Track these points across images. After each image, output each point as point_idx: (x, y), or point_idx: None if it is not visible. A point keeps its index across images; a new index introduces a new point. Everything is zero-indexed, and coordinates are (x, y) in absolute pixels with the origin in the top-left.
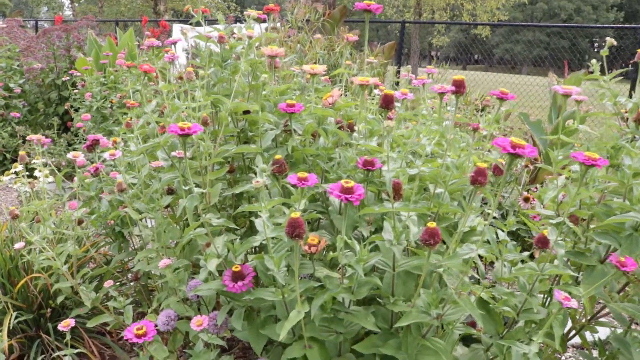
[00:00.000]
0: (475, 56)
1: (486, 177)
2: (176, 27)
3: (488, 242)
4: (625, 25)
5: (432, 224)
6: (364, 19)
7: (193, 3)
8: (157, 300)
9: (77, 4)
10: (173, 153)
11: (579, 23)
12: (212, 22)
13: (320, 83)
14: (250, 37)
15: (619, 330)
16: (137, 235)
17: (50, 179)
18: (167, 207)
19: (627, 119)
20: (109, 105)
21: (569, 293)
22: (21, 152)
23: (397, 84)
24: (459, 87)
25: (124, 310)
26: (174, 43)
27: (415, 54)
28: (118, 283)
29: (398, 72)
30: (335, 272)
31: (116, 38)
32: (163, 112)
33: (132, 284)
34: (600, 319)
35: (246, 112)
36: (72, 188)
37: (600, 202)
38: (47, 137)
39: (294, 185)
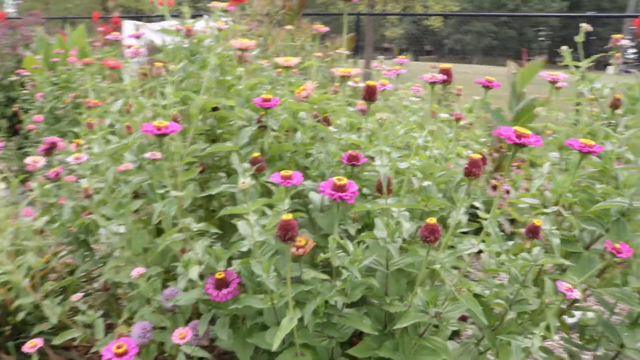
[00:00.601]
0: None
1: (480, 168)
2: (127, 24)
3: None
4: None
5: (432, 220)
6: (320, 12)
7: None
8: (128, 311)
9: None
10: (145, 155)
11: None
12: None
13: (292, 76)
14: (220, 30)
15: (604, 316)
16: (102, 243)
17: (2, 185)
18: (135, 212)
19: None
20: (62, 106)
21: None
22: None
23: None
24: (448, 76)
25: (93, 324)
26: (138, 37)
27: (369, 46)
28: (83, 294)
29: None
30: (320, 272)
31: (66, 35)
32: (129, 111)
33: (98, 293)
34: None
35: (214, 108)
36: (29, 195)
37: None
38: None
39: (274, 184)
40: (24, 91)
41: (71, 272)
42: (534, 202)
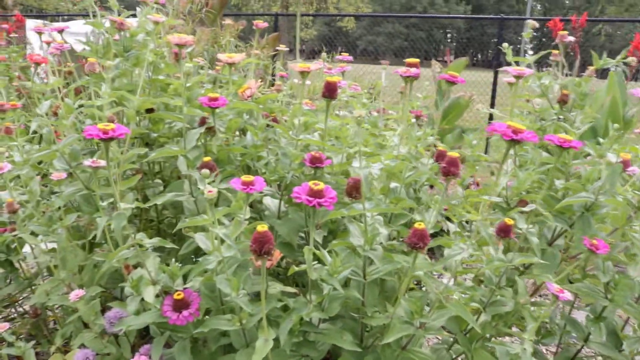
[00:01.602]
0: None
1: (459, 167)
2: (30, 23)
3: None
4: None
5: (420, 225)
6: (240, 12)
7: None
8: (62, 336)
9: None
10: (86, 162)
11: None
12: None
13: (235, 74)
14: (156, 23)
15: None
16: (28, 263)
17: None
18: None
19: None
20: None
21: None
22: None
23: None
24: (417, 71)
25: (24, 356)
26: (61, 31)
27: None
28: (5, 320)
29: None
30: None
31: None
32: (56, 113)
33: (25, 319)
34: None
35: (149, 110)
36: None
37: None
38: None
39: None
40: None
41: None
42: (497, 200)
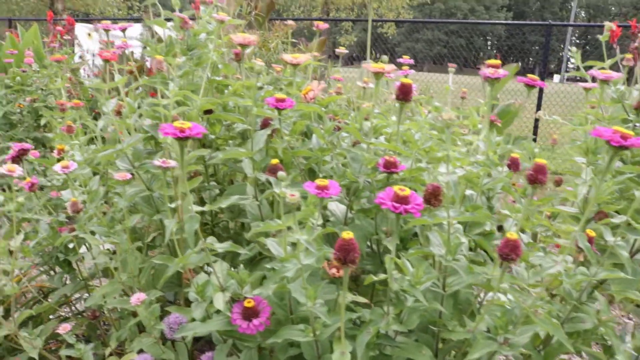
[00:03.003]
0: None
1: (546, 174)
2: (79, 27)
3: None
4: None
5: (513, 235)
6: (281, 17)
7: (93, 1)
8: (117, 339)
9: None
10: (155, 162)
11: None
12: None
13: (296, 76)
14: (221, 22)
15: None
16: (86, 264)
17: None
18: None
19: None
20: (18, 110)
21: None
22: None
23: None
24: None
25: (82, 359)
26: (124, 29)
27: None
28: (62, 319)
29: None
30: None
31: (18, 36)
32: (119, 112)
33: (79, 319)
34: None
35: (207, 111)
36: None
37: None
38: None
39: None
40: None
41: (45, 295)
42: (572, 211)
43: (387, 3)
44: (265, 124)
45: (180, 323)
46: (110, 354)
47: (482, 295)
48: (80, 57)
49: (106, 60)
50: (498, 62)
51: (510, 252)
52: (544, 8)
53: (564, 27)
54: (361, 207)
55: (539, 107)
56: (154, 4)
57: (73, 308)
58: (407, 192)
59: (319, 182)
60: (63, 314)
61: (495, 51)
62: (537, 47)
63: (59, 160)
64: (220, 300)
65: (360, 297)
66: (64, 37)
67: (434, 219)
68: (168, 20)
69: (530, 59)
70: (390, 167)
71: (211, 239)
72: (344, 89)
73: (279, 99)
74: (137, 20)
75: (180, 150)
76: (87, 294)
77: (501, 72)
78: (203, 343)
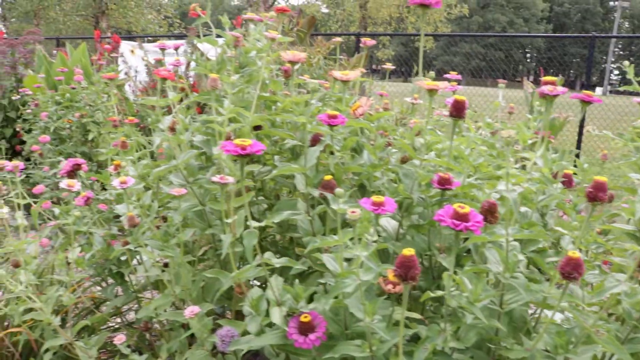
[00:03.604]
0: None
1: (606, 192)
2: (124, 45)
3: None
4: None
5: (575, 254)
6: (319, 32)
7: (135, 19)
8: (168, 351)
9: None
10: (214, 178)
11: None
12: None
13: (346, 92)
14: (273, 40)
15: None
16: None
17: (5, 209)
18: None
19: None
20: (67, 126)
21: None
22: None
23: None
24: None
25: None
26: (177, 48)
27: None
28: (110, 329)
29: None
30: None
31: (67, 54)
32: (173, 128)
33: (129, 329)
34: None
35: (256, 127)
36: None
37: None
38: None
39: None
40: (28, 111)
41: (96, 306)
42: (629, 228)
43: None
44: (315, 140)
45: (232, 336)
46: None
47: (534, 313)
48: (126, 73)
49: (163, 79)
50: (554, 78)
51: (572, 271)
52: (585, 19)
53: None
54: (412, 223)
55: (582, 121)
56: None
57: (123, 319)
58: (467, 209)
59: (375, 198)
60: (112, 324)
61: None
62: (577, 59)
63: (117, 175)
64: (277, 315)
65: (414, 313)
66: (111, 55)
67: (492, 237)
68: (218, 37)
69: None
70: (444, 183)
71: (268, 254)
72: (395, 104)
73: (331, 116)
74: (178, 37)
75: (241, 168)
76: (135, 306)
77: (560, 89)
78: (249, 356)
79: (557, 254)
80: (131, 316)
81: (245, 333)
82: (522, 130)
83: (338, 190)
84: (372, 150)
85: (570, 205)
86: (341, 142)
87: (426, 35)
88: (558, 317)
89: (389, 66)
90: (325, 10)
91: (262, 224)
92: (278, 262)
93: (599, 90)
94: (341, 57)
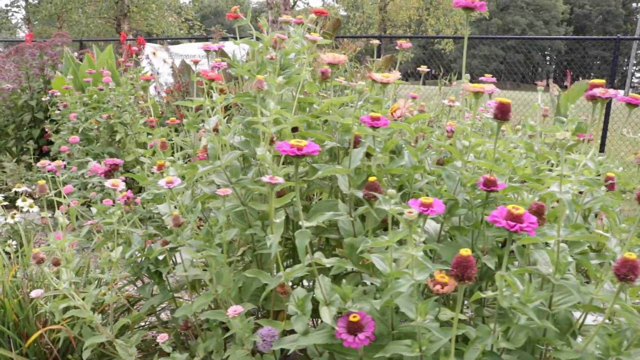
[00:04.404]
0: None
1: None
2: (147, 47)
3: None
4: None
5: (631, 255)
6: (339, 35)
7: (156, 22)
8: (205, 350)
9: (35, 24)
10: (264, 178)
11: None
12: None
13: (384, 94)
14: (313, 42)
15: None
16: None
17: (36, 209)
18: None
19: None
20: (95, 127)
21: None
22: (40, 182)
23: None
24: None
25: None
26: (220, 49)
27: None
28: (144, 328)
29: None
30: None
31: (94, 56)
32: (216, 129)
33: (165, 327)
34: None
35: (293, 129)
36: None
37: None
38: (20, 161)
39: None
40: (57, 112)
41: (132, 305)
42: None
43: (445, 19)
44: (356, 142)
45: (273, 336)
46: None
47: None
48: (146, 80)
49: (211, 80)
50: (602, 81)
51: (628, 272)
52: (606, 21)
53: (630, 40)
54: (452, 225)
55: (606, 124)
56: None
57: (156, 318)
58: (521, 210)
59: (424, 199)
60: (143, 323)
61: (554, 66)
62: (598, 62)
63: (160, 175)
64: (327, 314)
65: (460, 314)
66: (137, 56)
67: (544, 238)
68: (256, 38)
69: (592, 74)
70: (490, 185)
71: (319, 254)
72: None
73: (374, 118)
74: (198, 39)
75: (295, 168)
76: (166, 305)
77: (612, 91)
78: (281, 357)
79: (598, 256)
80: (163, 315)
81: (283, 333)
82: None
83: (390, 191)
84: (414, 151)
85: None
86: (381, 144)
87: (445, 37)
88: (592, 319)
89: (424, 68)
90: (344, 13)
91: (313, 223)
92: (328, 262)
93: (620, 92)
94: (366, 59)
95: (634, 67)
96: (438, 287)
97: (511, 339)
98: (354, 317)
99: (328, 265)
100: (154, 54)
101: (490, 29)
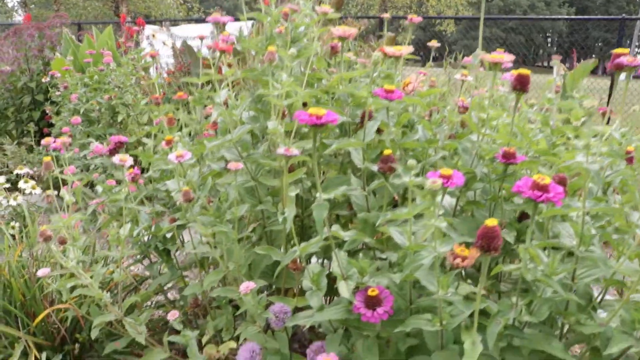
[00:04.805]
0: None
1: None
2: (146, 29)
3: None
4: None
5: None
6: (345, 15)
7: (155, 4)
8: (214, 328)
9: (31, 7)
10: (279, 150)
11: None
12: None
13: (396, 68)
14: (325, 14)
15: None
16: (186, 253)
17: (38, 191)
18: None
19: None
20: (97, 108)
21: None
22: (45, 158)
23: None
24: None
25: (188, 345)
26: (224, 24)
27: None
28: (152, 306)
29: None
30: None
31: (93, 37)
32: (226, 103)
33: (174, 305)
34: None
35: (304, 104)
36: (91, 200)
37: None
38: (21, 144)
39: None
40: (57, 93)
41: (139, 283)
42: None
43: (446, 0)
44: (369, 116)
45: (286, 312)
46: (208, 342)
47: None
48: (152, 56)
49: (222, 52)
50: (626, 50)
51: None
52: (609, 2)
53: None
54: (467, 200)
55: (608, 104)
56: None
57: (163, 297)
58: (547, 180)
59: (443, 171)
60: (150, 302)
61: (555, 48)
62: (600, 44)
63: (170, 150)
64: (344, 289)
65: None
66: (138, 37)
67: (568, 209)
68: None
69: (593, 55)
70: (509, 158)
71: (336, 227)
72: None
73: (388, 90)
74: (197, 21)
75: (313, 138)
76: (177, 284)
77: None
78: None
79: (616, 231)
80: (172, 294)
81: (294, 310)
82: (575, 107)
83: (410, 161)
84: (429, 125)
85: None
86: (394, 119)
87: (446, 18)
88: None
89: (435, 44)
90: None
91: (330, 196)
92: (346, 234)
93: (622, 75)
94: (370, 38)
95: (637, 49)
96: (458, 260)
97: (534, 312)
98: (373, 291)
99: (346, 239)
100: (154, 36)
101: (492, 10)
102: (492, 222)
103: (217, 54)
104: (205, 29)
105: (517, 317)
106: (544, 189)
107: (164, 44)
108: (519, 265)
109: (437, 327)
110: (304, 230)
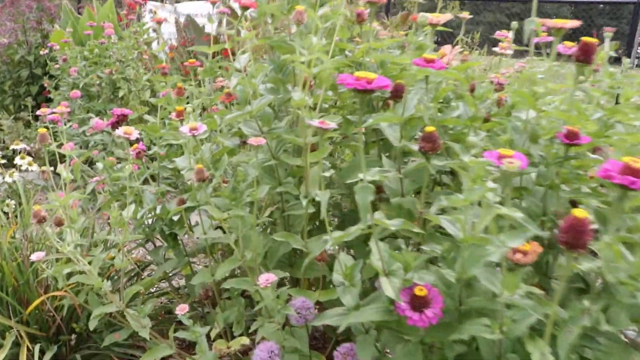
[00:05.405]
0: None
1: None
2: (148, 4)
3: None
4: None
5: None
6: None
7: None
8: (224, 321)
9: None
10: (313, 122)
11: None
12: None
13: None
14: None
15: None
16: (196, 238)
17: (35, 167)
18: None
19: None
20: (97, 82)
21: None
22: (41, 130)
23: None
24: None
25: (197, 341)
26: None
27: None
28: (155, 294)
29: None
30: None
31: (93, 9)
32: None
33: (179, 294)
34: None
35: None
36: (91, 177)
37: None
38: (18, 119)
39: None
40: (56, 66)
41: (141, 269)
42: None
43: None
44: (401, 90)
45: (308, 308)
46: (218, 337)
47: None
48: (154, 30)
49: (244, 7)
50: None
51: None
52: None
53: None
54: (517, 186)
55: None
56: None
57: (167, 284)
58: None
59: (502, 151)
60: (153, 290)
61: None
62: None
63: (181, 123)
64: (388, 287)
65: (534, 287)
66: (140, 8)
67: None
68: None
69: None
70: (573, 138)
71: (379, 215)
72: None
73: (428, 60)
74: None
75: (361, 106)
76: (181, 271)
77: None
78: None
79: None
80: (177, 282)
81: (318, 304)
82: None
83: (471, 138)
84: (472, 101)
85: None
86: (430, 94)
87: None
88: None
89: (466, 15)
90: None
91: (376, 177)
92: (393, 223)
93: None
94: (381, 16)
95: None
96: (519, 256)
97: (612, 319)
98: (421, 290)
99: (393, 228)
100: (155, 12)
101: None
102: (581, 213)
103: (223, 27)
104: (206, 6)
105: (596, 324)
106: (636, 173)
107: (166, 20)
108: (599, 264)
109: (497, 335)
110: (319, 215)
